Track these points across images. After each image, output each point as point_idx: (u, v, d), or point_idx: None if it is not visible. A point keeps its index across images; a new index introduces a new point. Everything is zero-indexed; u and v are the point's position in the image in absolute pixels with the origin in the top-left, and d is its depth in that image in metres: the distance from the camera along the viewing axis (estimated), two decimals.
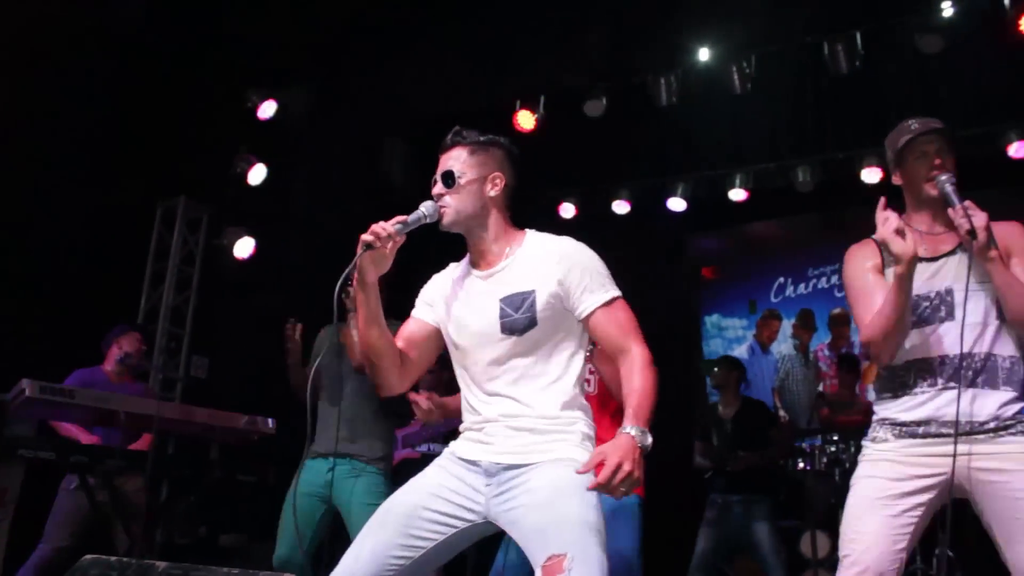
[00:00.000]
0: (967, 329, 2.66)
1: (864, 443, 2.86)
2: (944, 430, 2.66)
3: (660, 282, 8.68)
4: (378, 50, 7.71)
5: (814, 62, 6.72)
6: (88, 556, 2.48)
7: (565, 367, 2.46)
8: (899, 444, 2.72)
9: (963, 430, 2.63)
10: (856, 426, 6.09)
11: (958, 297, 2.71)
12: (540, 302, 2.42)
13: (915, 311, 2.75)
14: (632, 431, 2.19)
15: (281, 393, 4.80)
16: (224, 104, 7.56)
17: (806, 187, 7.74)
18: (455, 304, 2.56)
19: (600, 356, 3.41)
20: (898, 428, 2.74)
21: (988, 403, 2.63)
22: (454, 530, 2.40)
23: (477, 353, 2.49)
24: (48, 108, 6.38)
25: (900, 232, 2.63)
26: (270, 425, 4.60)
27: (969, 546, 5.38)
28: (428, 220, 2.46)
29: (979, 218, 2.64)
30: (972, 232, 2.61)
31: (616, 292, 2.45)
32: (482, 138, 2.57)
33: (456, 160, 2.53)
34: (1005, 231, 2.75)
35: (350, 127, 8.08)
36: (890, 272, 2.78)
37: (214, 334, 7.69)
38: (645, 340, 2.42)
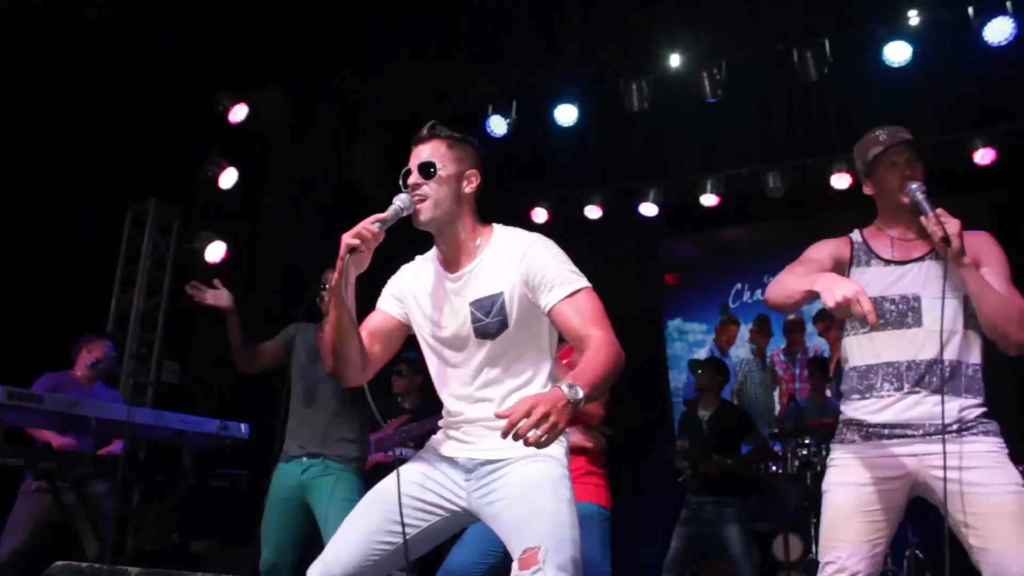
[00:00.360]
0: (937, 336, 2.72)
1: (832, 445, 2.92)
2: (909, 432, 2.73)
3: (632, 287, 8.74)
4: (350, 53, 7.70)
5: (784, 69, 6.78)
6: (59, 563, 2.46)
7: (537, 364, 2.49)
8: (866, 446, 2.79)
9: (928, 431, 2.71)
10: (828, 429, 6.16)
11: (925, 304, 2.77)
12: (509, 304, 2.42)
13: (880, 312, 2.79)
14: (563, 386, 2.08)
15: (254, 398, 4.79)
16: (195, 107, 7.52)
17: (777, 192, 7.83)
18: (426, 305, 2.55)
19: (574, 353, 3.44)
20: (865, 430, 2.81)
21: (952, 407, 2.70)
22: (438, 518, 2.45)
23: (451, 356, 2.51)
24: (16, 111, 6.32)
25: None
26: (243, 430, 4.57)
27: (938, 546, 5.46)
28: (405, 213, 2.43)
29: (952, 225, 2.69)
30: (946, 239, 2.66)
31: (581, 283, 2.40)
32: (458, 134, 2.56)
33: (435, 152, 2.50)
34: (975, 240, 2.81)
35: (321, 130, 8.06)
36: (857, 272, 2.88)
37: (185, 339, 7.63)
38: (612, 328, 2.35)
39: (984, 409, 2.75)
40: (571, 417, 2.07)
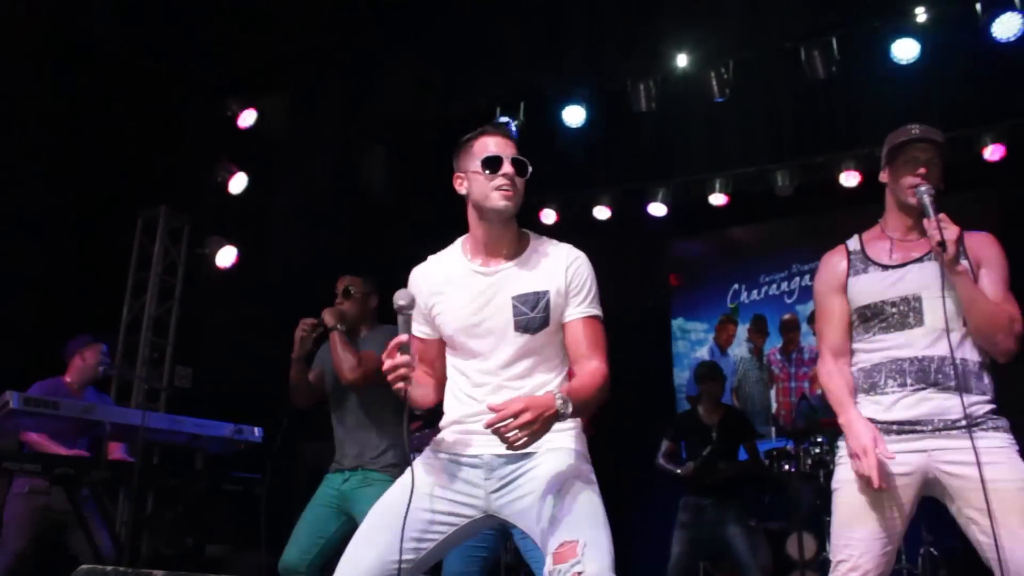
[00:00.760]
0: (938, 334, 2.76)
1: (840, 444, 2.93)
2: (919, 428, 2.75)
3: (641, 287, 8.75)
4: (357, 57, 7.72)
5: (792, 68, 6.78)
6: (83, 567, 2.48)
7: (558, 370, 2.53)
8: None
9: (937, 427, 2.72)
10: (840, 427, 6.16)
11: (926, 304, 2.80)
12: (554, 303, 2.47)
13: (880, 316, 2.85)
14: (559, 397, 2.23)
15: (266, 402, 4.80)
16: (204, 113, 7.55)
17: (785, 191, 7.82)
18: (457, 296, 2.53)
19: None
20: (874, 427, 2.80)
21: (959, 403, 2.71)
22: (454, 528, 2.43)
23: (479, 346, 2.49)
24: (25, 118, 6.35)
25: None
26: (256, 434, 4.59)
27: (952, 544, 5.46)
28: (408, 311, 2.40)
29: (950, 232, 2.72)
30: (942, 244, 2.69)
31: (599, 312, 2.53)
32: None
33: (517, 151, 2.55)
34: (977, 241, 2.84)
35: (329, 134, 8.08)
36: (854, 281, 2.92)
37: (197, 344, 7.67)
38: (608, 361, 2.49)
39: (993, 405, 2.77)
40: (551, 426, 2.21)
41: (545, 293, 2.47)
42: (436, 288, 2.57)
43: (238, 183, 7.57)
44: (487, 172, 2.47)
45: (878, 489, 2.68)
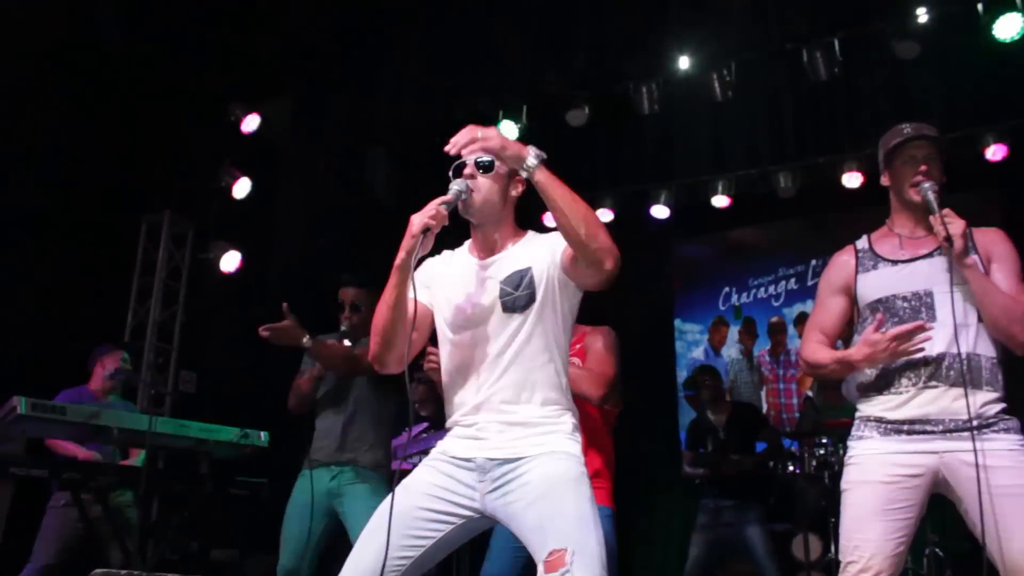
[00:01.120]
0: (951, 330, 2.73)
1: (849, 443, 2.91)
2: (929, 428, 2.73)
3: (644, 289, 8.76)
4: (359, 61, 7.74)
5: (793, 69, 6.79)
6: (98, 571, 2.49)
7: (553, 352, 2.51)
8: (884, 442, 2.78)
9: (948, 427, 2.70)
10: (844, 428, 6.15)
11: (938, 299, 2.78)
12: (538, 277, 2.49)
13: (892, 310, 2.84)
14: (534, 149, 2.40)
15: (272, 406, 4.80)
16: (207, 118, 7.57)
17: (788, 192, 7.82)
18: (453, 287, 2.59)
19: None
20: (883, 426, 2.80)
21: (971, 401, 2.68)
22: (451, 526, 2.44)
23: (473, 338, 2.52)
24: (29, 124, 6.37)
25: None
26: (263, 438, 4.59)
27: (957, 544, 5.45)
28: (463, 197, 2.51)
29: (956, 225, 2.71)
30: (949, 239, 2.68)
31: None
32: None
33: (491, 154, 2.58)
34: (986, 237, 2.83)
35: (332, 138, 8.09)
36: (864, 278, 2.91)
37: (202, 348, 7.68)
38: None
39: (1004, 405, 2.75)
40: (513, 156, 2.39)
41: (528, 270, 2.50)
42: (439, 272, 2.66)
43: (242, 188, 7.59)
44: (455, 179, 2.56)
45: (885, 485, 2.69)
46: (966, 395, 2.67)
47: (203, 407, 6.61)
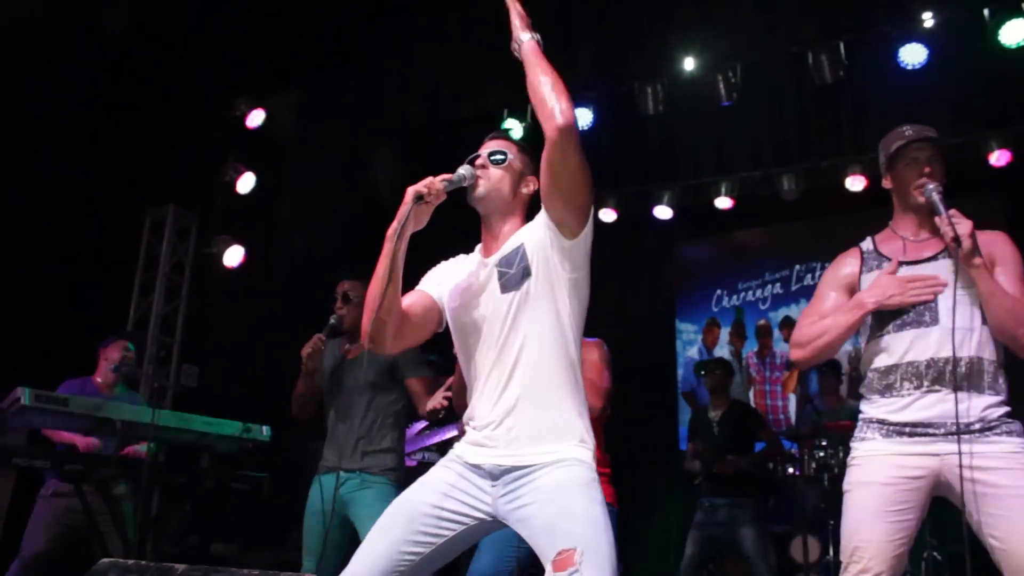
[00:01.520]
0: (954, 333, 2.72)
1: (852, 444, 2.91)
2: (931, 430, 2.73)
3: (646, 289, 8.78)
4: (365, 59, 7.75)
5: (799, 72, 6.79)
6: (105, 560, 2.50)
7: (564, 332, 2.47)
8: (887, 443, 2.79)
9: (950, 430, 2.70)
10: (844, 431, 6.17)
11: (942, 303, 2.78)
12: (531, 252, 2.47)
13: (896, 313, 2.83)
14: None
15: (273, 401, 4.81)
16: (212, 113, 7.59)
17: (791, 195, 7.83)
18: (459, 287, 2.59)
19: None
20: (885, 428, 2.81)
21: (974, 405, 2.70)
22: (463, 527, 2.43)
23: (477, 328, 2.51)
24: (34, 117, 6.39)
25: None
26: (265, 433, 4.60)
27: (955, 548, 5.46)
28: (466, 183, 2.52)
29: (963, 226, 2.70)
30: (957, 240, 2.68)
31: None
32: (528, 146, 2.67)
33: (504, 146, 2.62)
34: (990, 240, 2.82)
35: (336, 135, 8.11)
36: (869, 278, 2.90)
37: (205, 343, 7.70)
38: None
39: (1007, 408, 2.74)
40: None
41: (520, 246, 2.50)
42: (450, 273, 2.66)
43: (246, 183, 7.61)
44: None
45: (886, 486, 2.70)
46: (955, 401, 2.68)
47: (205, 401, 6.62)
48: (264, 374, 6.97)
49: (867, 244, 3.04)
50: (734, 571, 6.25)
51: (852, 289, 2.97)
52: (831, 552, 6.00)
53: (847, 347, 8.09)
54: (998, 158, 7.12)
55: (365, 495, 4.02)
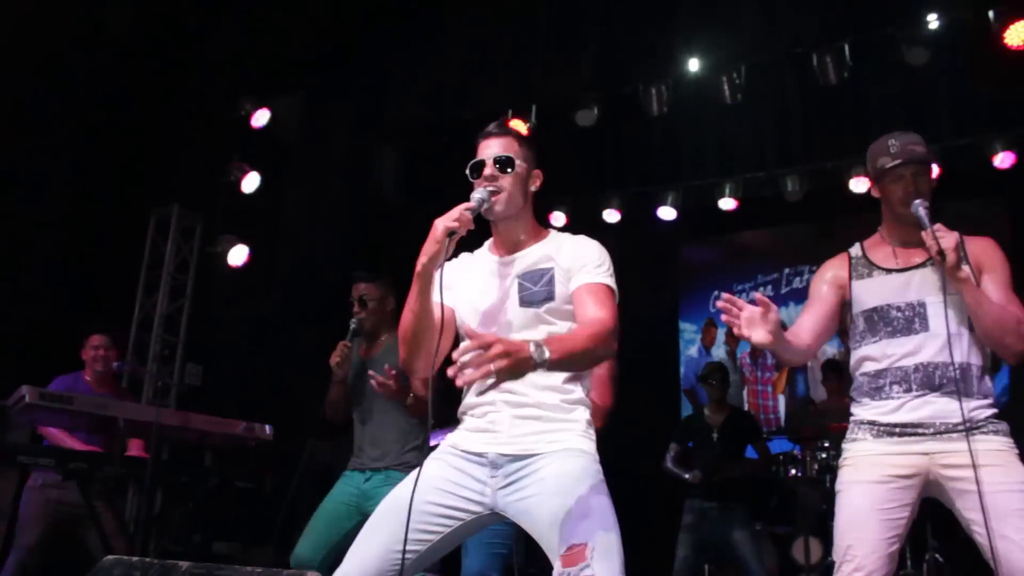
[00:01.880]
0: (943, 340, 2.79)
1: (844, 445, 2.97)
2: (920, 431, 2.79)
3: (650, 290, 8.78)
4: (368, 59, 7.76)
5: (803, 73, 6.79)
6: (110, 556, 2.51)
7: None
8: (877, 444, 2.85)
9: (939, 430, 2.77)
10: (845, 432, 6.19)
11: (931, 309, 2.84)
12: (558, 278, 2.48)
13: (887, 320, 2.90)
14: (532, 344, 2.12)
15: (276, 399, 4.83)
16: (217, 113, 7.61)
17: (795, 196, 7.84)
18: (473, 282, 2.59)
19: None
20: (876, 428, 2.87)
21: (959, 408, 2.74)
22: (460, 522, 2.43)
23: (489, 330, 2.48)
24: (39, 118, 6.41)
25: None
26: (267, 431, 4.61)
27: (958, 550, 5.46)
28: (485, 206, 2.48)
29: (948, 240, 2.74)
30: (941, 253, 2.72)
31: (608, 281, 2.49)
32: (528, 134, 2.64)
33: (509, 147, 2.55)
34: (978, 247, 2.88)
35: (340, 135, 8.13)
36: (859, 284, 2.97)
37: (208, 342, 7.71)
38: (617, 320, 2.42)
39: (994, 409, 2.81)
40: (522, 373, 2.10)
41: (550, 269, 2.50)
42: (460, 273, 2.64)
43: (250, 183, 7.62)
44: (473, 178, 2.54)
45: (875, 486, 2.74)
46: (961, 399, 2.73)
47: (208, 400, 6.65)
48: (268, 373, 6.99)
49: (855, 250, 3.09)
50: (731, 574, 6.25)
51: (843, 290, 3.02)
52: (833, 553, 6.00)
53: (833, 349, 8.20)
54: (1002, 160, 7.10)
55: (386, 492, 4.03)
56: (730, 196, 8.02)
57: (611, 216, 8.48)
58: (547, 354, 2.11)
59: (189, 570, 2.36)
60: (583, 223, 8.41)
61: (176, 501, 5.46)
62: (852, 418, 2.97)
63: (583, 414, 2.47)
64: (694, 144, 8.17)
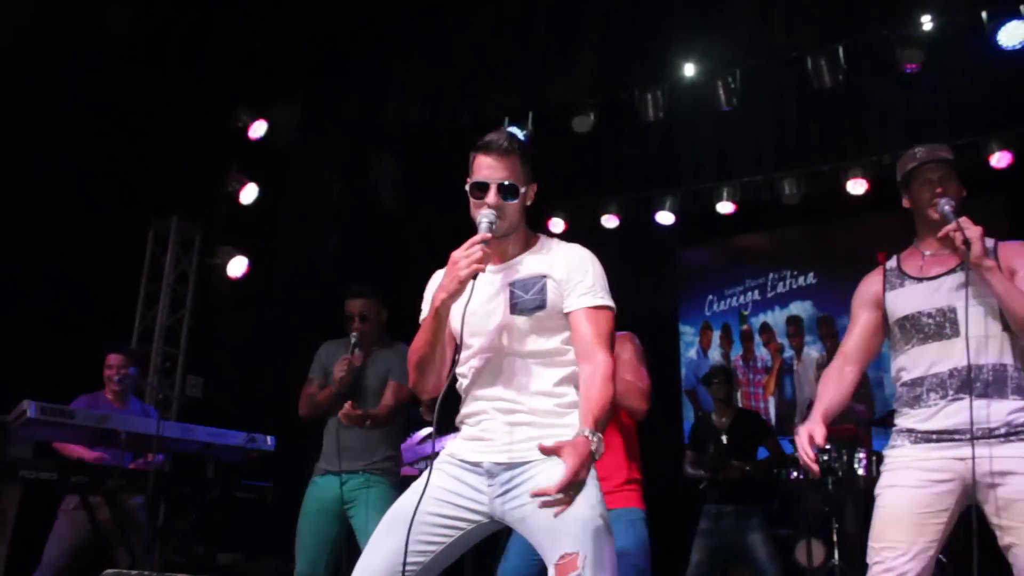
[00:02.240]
0: (973, 342, 2.80)
1: (884, 452, 3.00)
2: (956, 436, 2.79)
3: (649, 295, 8.79)
4: (366, 67, 7.77)
5: (798, 76, 6.80)
6: (109, 571, 2.51)
7: (562, 358, 2.50)
8: (916, 449, 2.86)
9: (976, 435, 2.75)
10: (848, 435, 6.17)
11: (960, 313, 2.85)
12: (551, 288, 2.47)
13: (918, 327, 2.92)
14: (589, 435, 2.21)
15: (278, 410, 4.83)
16: (215, 124, 7.62)
17: (792, 199, 7.85)
18: (465, 297, 2.52)
19: None
20: (914, 435, 2.88)
21: (999, 410, 2.76)
22: (461, 531, 2.43)
23: (480, 338, 2.50)
24: (37, 129, 6.41)
25: None
26: (269, 443, 4.62)
27: (963, 552, 5.45)
28: (494, 230, 2.45)
29: (972, 230, 2.77)
30: (967, 243, 2.73)
31: (607, 302, 2.49)
32: (528, 147, 2.59)
33: (513, 171, 2.51)
34: (1010, 250, 2.90)
35: (338, 144, 8.14)
36: (892, 295, 3.00)
37: (209, 353, 7.72)
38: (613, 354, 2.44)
39: None
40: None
41: (543, 277, 2.49)
42: None
43: (249, 193, 7.63)
44: (474, 198, 2.51)
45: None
46: (970, 406, 2.73)
47: (210, 411, 6.65)
48: (268, 384, 6.99)
49: (891, 262, 3.13)
50: None
51: (879, 305, 3.06)
52: (835, 556, 5.99)
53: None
54: (999, 160, 7.11)
55: (370, 495, 4.09)
56: (728, 200, 8.04)
57: (610, 221, 8.49)
58: (600, 445, 2.25)
59: None
60: (582, 229, 8.43)
61: (179, 512, 5.46)
62: (894, 428, 3.00)
63: (576, 418, 2.44)
64: (691, 148, 8.18)
